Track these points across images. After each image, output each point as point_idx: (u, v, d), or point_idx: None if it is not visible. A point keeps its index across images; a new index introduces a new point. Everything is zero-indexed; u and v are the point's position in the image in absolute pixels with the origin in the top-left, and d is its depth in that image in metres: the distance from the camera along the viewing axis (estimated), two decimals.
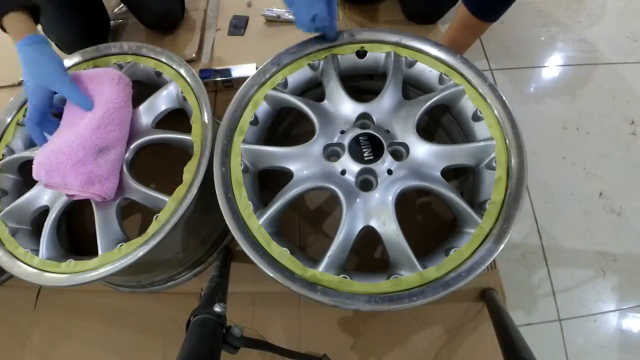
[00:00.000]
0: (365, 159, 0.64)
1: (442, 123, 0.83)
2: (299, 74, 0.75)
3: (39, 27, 1.10)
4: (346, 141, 0.65)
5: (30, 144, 0.83)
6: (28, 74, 0.68)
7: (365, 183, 0.65)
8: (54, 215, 0.71)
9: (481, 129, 0.69)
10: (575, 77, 1.18)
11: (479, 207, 0.65)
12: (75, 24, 1.07)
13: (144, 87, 0.86)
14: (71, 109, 0.71)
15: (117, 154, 0.69)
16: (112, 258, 0.65)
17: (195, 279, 0.90)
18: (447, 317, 0.84)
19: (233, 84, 1.09)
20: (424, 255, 0.62)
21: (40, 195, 0.73)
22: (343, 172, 0.65)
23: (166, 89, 0.78)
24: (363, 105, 0.70)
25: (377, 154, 0.64)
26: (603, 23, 1.26)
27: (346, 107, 0.71)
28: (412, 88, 0.79)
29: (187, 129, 0.72)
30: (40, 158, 0.65)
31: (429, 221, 0.90)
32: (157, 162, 1.00)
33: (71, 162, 0.63)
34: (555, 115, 1.12)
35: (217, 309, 0.55)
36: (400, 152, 0.68)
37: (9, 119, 0.82)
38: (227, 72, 1.08)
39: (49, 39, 1.03)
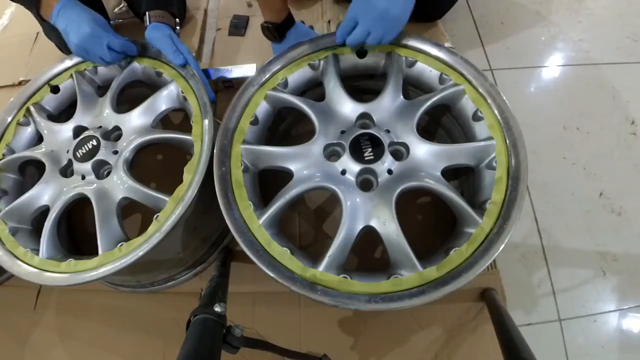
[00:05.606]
0: (366, 158, 0.64)
1: (442, 123, 0.83)
2: (299, 74, 0.75)
3: (39, 29, 1.10)
4: (346, 141, 0.65)
5: (31, 144, 0.83)
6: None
7: (366, 183, 0.65)
8: (54, 215, 0.71)
9: (481, 129, 0.68)
10: (575, 77, 1.17)
11: (479, 207, 0.65)
12: None
13: (144, 87, 0.86)
14: None
15: None
16: (112, 258, 0.65)
17: (195, 279, 0.90)
18: (447, 317, 0.84)
19: (233, 84, 1.08)
20: (424, 255, 0.62)
21: (40, 195, 0.73)
22: (343, 172, 0.64)
23: (167, 89, 0.78)
24: (363, 105, 0.70)
25: (378, 153, 0.64)
26: (603, 23, 1.26)
27: (346, 107, 0.71)
28: (413, 88, 0.79)
29: (188, 129, 0.72)
30: None
31: (429, 221, 0.90)
32: (157, 162, 1.00)
33: None
34: (555, 115, 1.12)
35: (217, 308, 0.55)
36: (400, 152, 0.68)
37: (9, 119, 0.82)
38: (227, 72, 1.08)
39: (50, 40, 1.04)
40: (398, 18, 0.65)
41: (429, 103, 0.69)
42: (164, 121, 1.02)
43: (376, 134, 0.65)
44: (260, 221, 0.62)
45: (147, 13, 0.85)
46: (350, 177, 0.64)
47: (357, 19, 0.66)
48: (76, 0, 0.78)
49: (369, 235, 0.62)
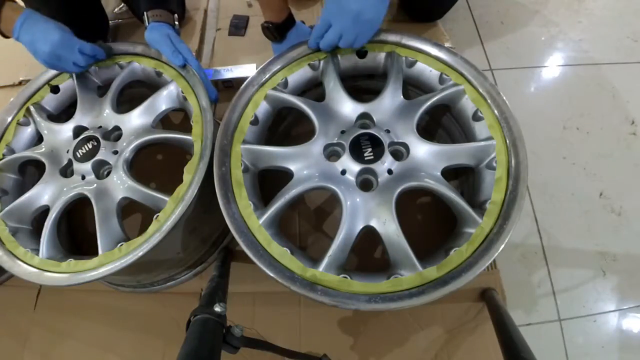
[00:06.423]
0: (366, 158, 0.64)
1: (442, 123, 0.83)
2: (299, 74, 0.75)
3: None
4: (347, 141, 0.65)
5: (31, 144, 0.83)
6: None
7: (366, 183, 0.65)
8: (54, 215, 0.71)
9: (481, 129, 0.68)
10: (575, 77, 1.17)
11: (479, 207, 0.65)
12: (74, 26, 1.06)
13: (144, 87, 0.86)
14: None
15: None
16: (112, 258, 0.65)
17: (195, 279, 0.90)
18: (447, 317, 0.84)
19: (233, 84, 1.08)
20: (424, 255, 0.62)
21: (40, 195, 0.73)
22: (343, 172, 0.64)
23: (167, 89, 0.78)
24: (363, 105, 0.70)
25: (378, 153, 0.64)
26: (603, 23, 1.26)
27: (346, 107, 0.71)
28: (413, 88, 0.79)
29: (188, 129, 0.72)
30: None
31: (429, 221, 0.90)
32: (157, 161, 1.00)
33: None
34: (555, 115, 1.12)
35: (217, 309, 0.55)
36: (400, 152, 0.68)
37: (9, 119, 0.82)
38: (227, 72, 1.08)
39: None
40: (371, 21, 0.65)
41: (429, 103, 0.69)
42: (164, 121, 1.02)
43: (376, 134, 0.65)
44: (261, 221, 0.62)
45: (145, 13, 0.85)
46: (350, 177, 0.64)
47: (330, 22, 0.66)
48: (36, 12, 0.76)
49: (369, 235, 0.62)
